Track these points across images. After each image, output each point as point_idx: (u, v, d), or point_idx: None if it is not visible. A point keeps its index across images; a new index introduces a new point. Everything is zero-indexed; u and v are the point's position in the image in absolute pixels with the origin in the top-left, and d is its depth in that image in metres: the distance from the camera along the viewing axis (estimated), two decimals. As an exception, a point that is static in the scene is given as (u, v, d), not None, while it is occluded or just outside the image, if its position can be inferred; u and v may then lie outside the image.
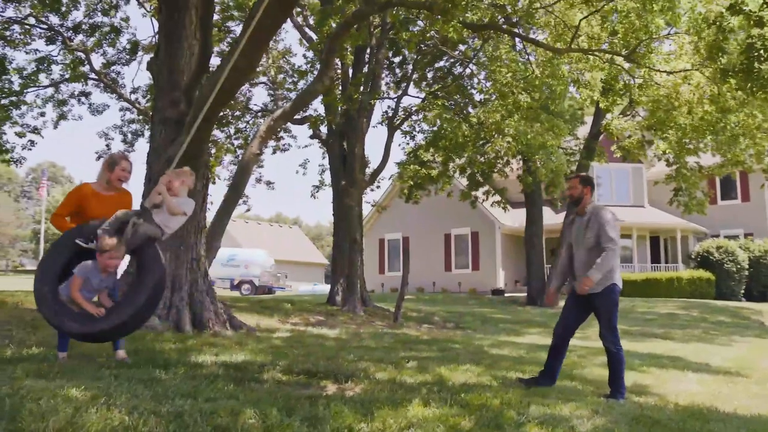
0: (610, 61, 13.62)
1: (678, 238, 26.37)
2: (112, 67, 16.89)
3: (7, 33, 14.98)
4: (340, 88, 15.56)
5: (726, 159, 17.15)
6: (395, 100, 17.02)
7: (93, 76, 16.68)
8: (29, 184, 72.15)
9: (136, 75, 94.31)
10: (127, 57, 16.66)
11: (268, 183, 20.57)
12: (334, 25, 11.65)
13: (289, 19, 14.99)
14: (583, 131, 22.26)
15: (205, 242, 8.71)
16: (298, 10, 16.09)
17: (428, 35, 15.53)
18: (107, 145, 17.96)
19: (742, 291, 23.98)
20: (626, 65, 13.97)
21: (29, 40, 15.41)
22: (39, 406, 3.09)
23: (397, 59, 17.76)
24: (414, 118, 17.65)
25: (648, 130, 17.52)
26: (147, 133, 16.23)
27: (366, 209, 20.82)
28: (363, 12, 10.37)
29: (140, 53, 16.62)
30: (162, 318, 7.70)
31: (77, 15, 38.55)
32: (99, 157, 17.77)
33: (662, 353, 8.68)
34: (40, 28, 15.53)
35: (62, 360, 4.85)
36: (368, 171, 16.36)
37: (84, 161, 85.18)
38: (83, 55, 16.23)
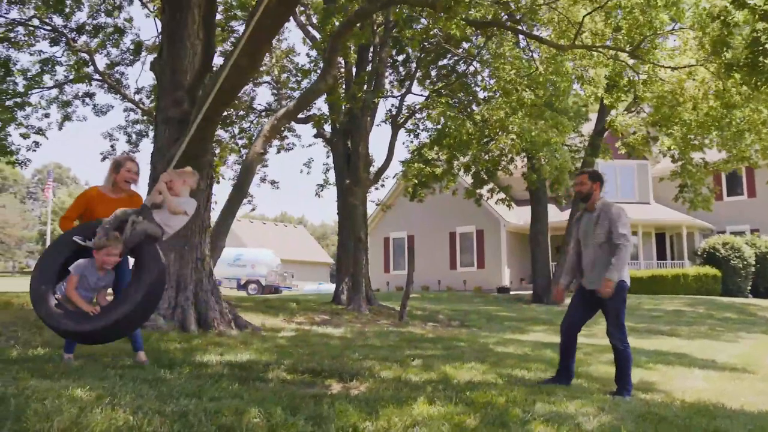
0: (615, 58, 13.58)
1: (684, 235, 26.26)
2: (116, 68, 16.96)
3: (12, 35, 15.04)
4: (344, 86, 15.52)
5: (731, 155, 17.08)
6: (399, 98, 17.00)
7: (97, 76, 16.75)
8: (35, 186, 72.38)
9: (140, 75, 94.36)
10: (131, 57, 16.70)
11: (273, 182, 20.57)
12: (337, 23, 11.66)
13: (292, 18, 14.99)
14: (587, 128, 22.16)
15: (210, 242, 8.72)
16: (301, 8, 16.07)
17: (431, 33, 15.51)
18: (112, 146, 18.11)
19: (749, 287, 23.81)
20: (630, 61, 13.93)
21: (33, 42, 15.49)
22: (44, 406, 3.09)
23: (400, 57, 17.73)
24: (418, 116, 17.63)
25: (653, 126, 17.45)
26: (151, 134, 16.26)
27: (371, 208, 20.86)
28: (366, 10, 10.35)
29: (144, 53, 16.66)
30: (167, 318, 7.73)
31: (81, 16, 38.75)
32: (104, 158, 17.92)
33: (668, 350, 8.67)
34: (44, 29, 15.58)
35: (68, 361, 4.86)
36: (372, 169, 16.32)
37: (89, 162, 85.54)
38: (87, 56, 16.29)
